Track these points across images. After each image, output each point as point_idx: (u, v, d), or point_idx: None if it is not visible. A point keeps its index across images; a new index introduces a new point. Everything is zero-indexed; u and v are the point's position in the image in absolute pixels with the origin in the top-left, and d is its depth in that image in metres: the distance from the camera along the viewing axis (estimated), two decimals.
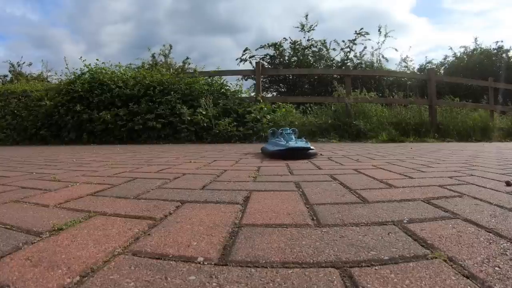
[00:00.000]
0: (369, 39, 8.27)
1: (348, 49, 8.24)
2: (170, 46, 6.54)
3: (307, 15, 8.30)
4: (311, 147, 1.79)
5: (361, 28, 8.08)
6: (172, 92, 4.61)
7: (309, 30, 8.25)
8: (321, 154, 1.98)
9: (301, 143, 1.80)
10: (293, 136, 1.95)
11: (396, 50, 10.27)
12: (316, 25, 8.25)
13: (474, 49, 9.40)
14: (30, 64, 8.72)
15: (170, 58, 6.45)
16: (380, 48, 8.27)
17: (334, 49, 8.34)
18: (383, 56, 8.31)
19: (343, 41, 8.24)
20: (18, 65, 8.56)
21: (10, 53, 18.47)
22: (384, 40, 8.24)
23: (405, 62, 8.89)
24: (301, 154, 1.70)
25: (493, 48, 9.12)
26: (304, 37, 8.46)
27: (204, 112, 4.38)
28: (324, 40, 8.27)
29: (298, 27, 8.34)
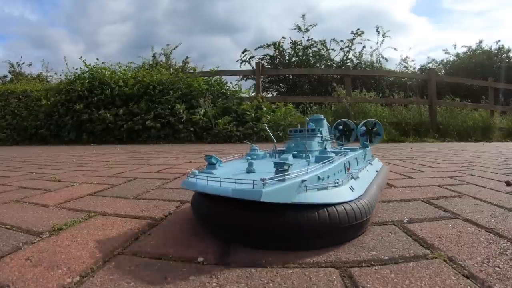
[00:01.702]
0: (368, 39, 8.26)
1: (348, 49, 8.25)
2: (176, 46, 6.47)
3: (303, 15, 8.28)
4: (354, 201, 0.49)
5: (358, 29, 8.09)
6: (171, 92, 4.61)
7: (306, 31, 8.25)
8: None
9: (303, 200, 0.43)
10: (316, 143, 0.69)
11: (395, 49, 10.23)
12: (315, 25, 8.22)
13: (476, 49, 9.42)
14: (30, 64, 8.71)
15: (171, 58, 6.42)
16: (378, 49, 8.28)
17: (333, 50, 8.34)
18: (382, 57, 8.31)
19: (342, 40, 8.24)
20: (18, 65, 8.55)
21: (9, 53, 18.49)
22: (382, 40, 8.24)
23: (405, 62, 8.88)
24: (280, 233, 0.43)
25: (494, 49, 9.14)
26: (303, 37, 8.46)
27: (202, 111, 4.38)
28: (324, 40, 8.27)
29: (295, 29, 8.33)
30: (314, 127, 0.73)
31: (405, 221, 0.57)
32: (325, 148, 0.64)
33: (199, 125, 4.38)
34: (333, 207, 0.45)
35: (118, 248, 0.46)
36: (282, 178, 0.41)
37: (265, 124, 0.75)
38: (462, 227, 0.54)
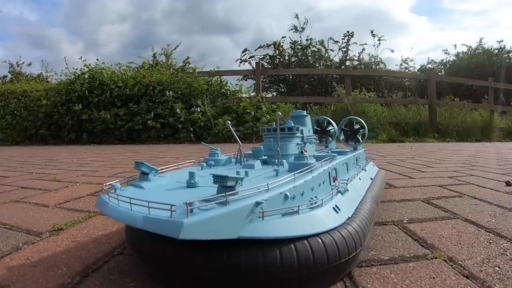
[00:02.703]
0: (366, 43, 8.27)
1: (345, 49, 8.27)
2: (177, 46, 6.45)
3: (297, 15, 8.27)
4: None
5: (347, 31, 8.17)
6: (170, 92, 4.62)
7: (302, 31, 8.26)
8: None
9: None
10: (294, 145, 0.57)
11: (392, 51, 10.20)
12: (306, 23, 8.19)
13: (476, 49, 9.43)
14: (29, 64, 8.71)
15: (171, 58, 6.41)
16: (376, 52, 8.30)
17: (332, 50, 8.36)
18: (380, 60, 8.33)
19: (337, 41, 8.26)
20: (18, 65, 8.55)
21: (8, 53, 18.52)
22: (379, 43, 8.24)
23: (406, 63, 8.89)
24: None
25: (494, 48, 9.14)
26: (300, 37, 8.46)
27: (200, 110, 4.38)
28: (323, 40, 8.28)
29: (292, 30, 8.34)
30: (292, 124, 0.58)
31: (405, 221, 0.57)
32: (302, 152, 0.45)
33: (198, 124, 4.38)
34: (305, 241, 0.31)
35: (118, 248, 0.46)
36: (223, 200, 0.28)
37: (229, 122, 0.64)
38: (462, 227, 0.54)
